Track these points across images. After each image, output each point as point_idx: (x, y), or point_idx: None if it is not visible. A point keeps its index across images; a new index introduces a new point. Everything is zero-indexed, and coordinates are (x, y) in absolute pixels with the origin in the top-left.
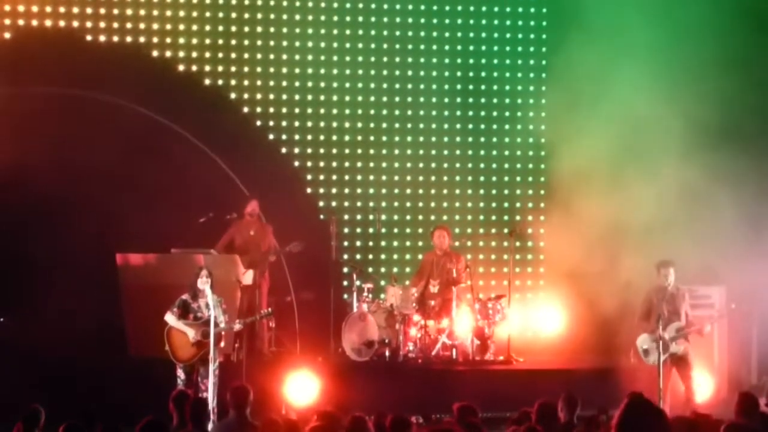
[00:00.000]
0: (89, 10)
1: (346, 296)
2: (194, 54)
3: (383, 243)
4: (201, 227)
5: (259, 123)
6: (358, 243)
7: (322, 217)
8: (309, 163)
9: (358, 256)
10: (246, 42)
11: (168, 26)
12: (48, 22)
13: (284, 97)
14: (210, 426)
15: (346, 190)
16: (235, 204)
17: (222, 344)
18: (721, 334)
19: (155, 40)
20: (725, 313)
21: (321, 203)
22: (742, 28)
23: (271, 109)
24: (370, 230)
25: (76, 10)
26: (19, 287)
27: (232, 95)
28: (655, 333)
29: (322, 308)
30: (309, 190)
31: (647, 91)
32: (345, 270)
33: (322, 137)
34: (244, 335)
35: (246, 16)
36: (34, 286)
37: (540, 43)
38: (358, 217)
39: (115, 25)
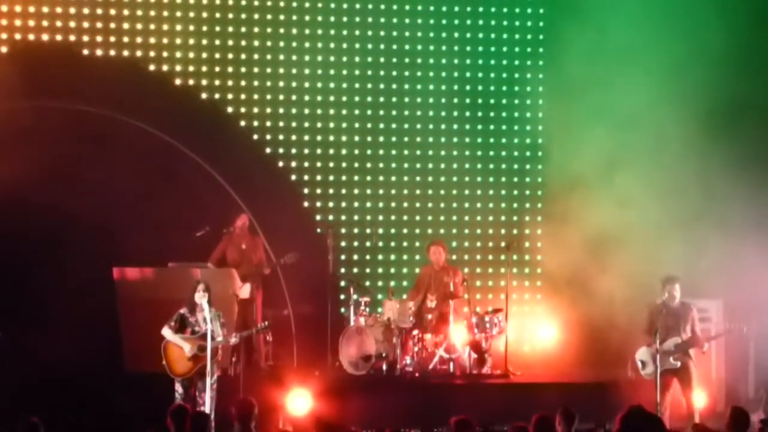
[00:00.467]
0: (86, 24)
1: (343, 310)
2: (191, 68)
3: (380, 256)
4: (198, 241)
5: (256, 137)
6: (356, 256)
7: (319, 230)
8: (306, 177)
9: (355, 270)
10: (243, 56)
11: (165, 40)
12: (45, 37)
13: (281, 110)
14: None
15: (344, 204)
16: (231, 218)
17: (218, 357)
18: (718, 348)
19: (152, 54)
20: (722, 332)
21: (318, 217)
22: (746, 22)
23: (269, 123)
24: (368, 244)
25: (73, 24)
26: (16, 301)
27: (230, 109)
28: (652, 347)
29: (319, 322)
30: (306, 204)
31: (645, 102)
32: (342, 284)
33: (319, 151)
34: (241, 349)
35: (243, 30)
36: (31, 300)
37: (537, 56)
38: (356, 230)
39: (112, 39)
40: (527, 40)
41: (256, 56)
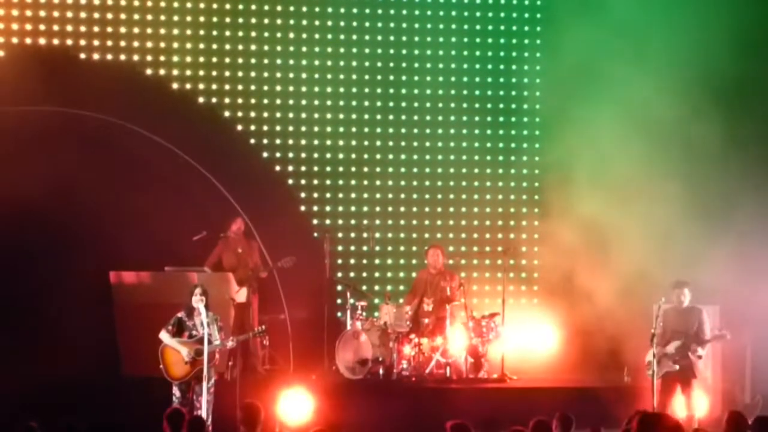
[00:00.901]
0: (83, 29)
1: (339, 314)
2: (188, 72)
3: (377, 261)
4: (195, 245)
5: (252, 141)
6: (352, 261)
7: (315, 235)
8: (303, 181)
9: (351, 274)
10: (240, 60)
11: (162, 44)
12: (42, 41)
13: (278, 115)
14: None
15: (340, 208)
16: (229, 222)
17: (215, 361)
18: (714, 353)
19: (149, 58)
20: (710, 338)
21: (315, 221)
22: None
23: (265, 127)
24: (364, 248)
25: (70, 28)
26: (13, 306)
27: (226, 113)
28: (657, 349)
29: (315, 326)
30: (303, 208)
31: (643, 109)
32: (339, 288)
33: (315, 155)
34: (237, 353)
35: (240, 34)
36: (27, 304)
37: (534, 61)
38: (352, 234)
39: (109, 43)
40: (524, 45)
41: (253, 60)
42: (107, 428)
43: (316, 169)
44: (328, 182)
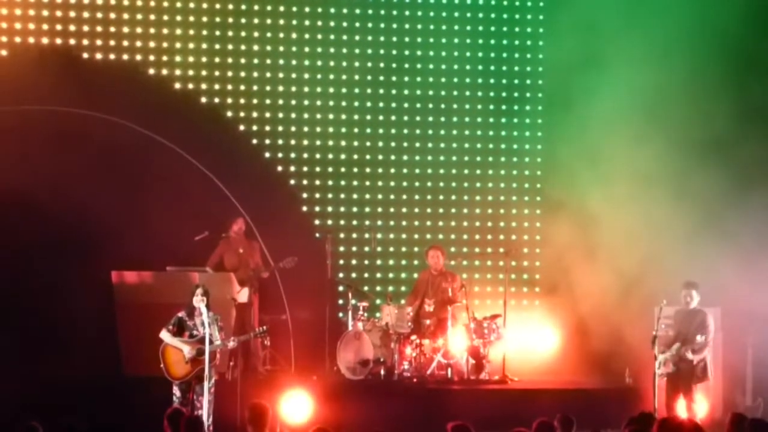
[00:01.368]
0: (86, 28)
1: (341, 315)
2: (190, 72)
3: (379, 262)
4: (196, 245)
5: (255, 141)
6: (354, 261)
7: (317, 235)
8: (305, 182)
9: (353, 275)
10: (242, 60)
11: (164, 44)
12: (44, 40)
13: (280, 115)
14: None
15: (342, 209)
16: (230, 222)
17: (216, 361)
18: (716, 355)
19: (152, 58)
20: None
21: (317, 221)
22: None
23: (267, 128)
24: (366, 249)
25: (72, 27)
26: (14, 305)
27: (228, 113)
28: (666, 349)
29: (317, 327)
30: (305, 209)
31: (644, 113)
32: (340, 288)
33: (317, 155)
34: (238, 353)
35: (242, 34)
36: (29, 303)
37: (536, 62)
38: (354, 235)
39: (112, 43)
40: (526, 46)
41: (255, 61)
42: (108, 428)
43: (318, 169)
44: (329, 183)
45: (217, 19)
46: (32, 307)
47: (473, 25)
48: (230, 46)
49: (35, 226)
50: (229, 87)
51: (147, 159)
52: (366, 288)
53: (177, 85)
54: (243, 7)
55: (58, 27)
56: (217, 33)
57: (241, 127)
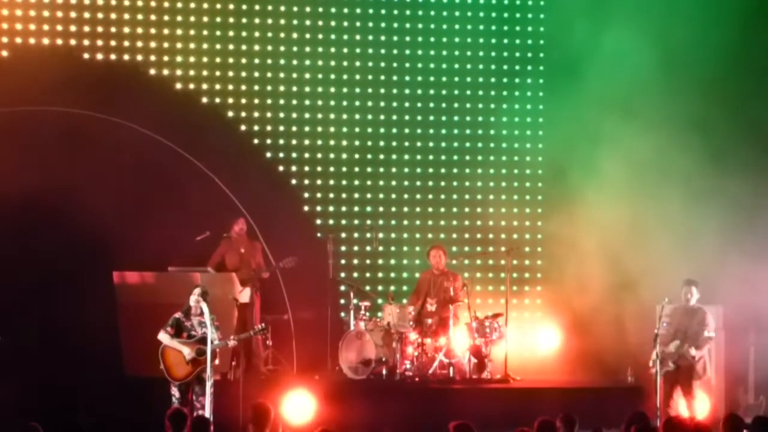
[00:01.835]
0: (87, 29)
1: (343, 315)
2: (191, 72)
3: (380, 261)
4: (198, 245)
5: (256, 141)
6: (356, 261)
7: (319, 235)
8: (306, 181)
9: (355, 275)
10: (243, 60)
11: (165, 45)
12: (46, 41)
13: (281, 115)
14: None
15: (344, 209)
16: (232, 222)
17: (216, 362)
18: (718, 353)
19: (153, 58)
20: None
21: (318, 221)
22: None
23: (269, 128)
24: (368, 248)
25: (73, 28)
26: (16, 306)
27: (230, 113)
28: (664, 346)
29: (319, 327)
30: (306, 208)
31: (646, 113)
32: (342, 288)
33: (319, 155)
34: (240, 353)
35: (243, 34)
36: (31, 304)
37: (538, 61)
38: (356, 235)
39: (113, 43)
40: (527, 45)
41: (256, 61)
42: (109, 428)
43: (319, 169)
44: (331, 182)
45: (218, 20)
46: (33, 307)
47: (474, 24)
48: (231, 46)
49: (35, 227)
50: (231, 87)
51: (148, 159)
52: (368, 288)
53: (178, 86)
54: (244, 7)
55: (59, 28)
56: (218, 33)
57: (243, 127)
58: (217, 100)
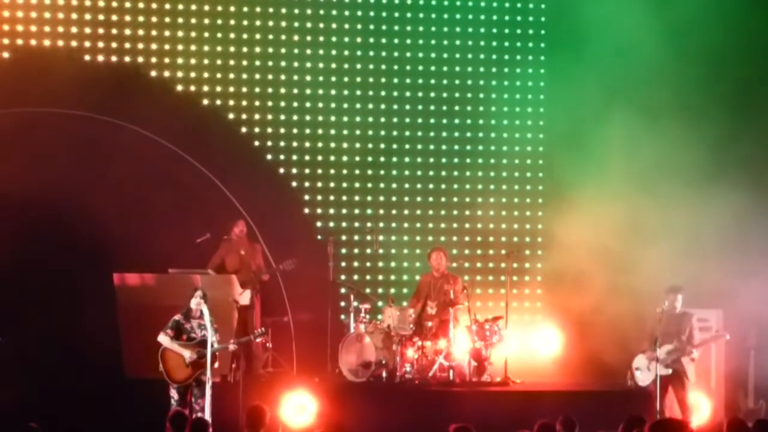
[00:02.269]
0: (88, 30)
1: (343, 317)
2: (193, 74)
3: (381, 264)
4: (198, 247)
5: (257, 143)
6: (356, 264)
7: (319, 237)
8: (307, 184)
9: (355, 277)
10: (244, 62)
11: (167, 46)
12: (47, 42)
13: (282, 117)
14: None
15: (344, 211)
16: (232, 224)
17: (216, 364)
18: (718, 357)
19: (154, 60)
20: (709, 339)
21: (319, 224)
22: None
23: (269, 130)
24: (368, 251)
25: (74, 29)
26: (17, 307)
27: (230, 115)
28: (646, 353)
29: (319, 329)
30: (307, 211)
31: (647, 113)
32: (342, 291)
33: (320, 158)
34: (240, 356)
35: (244, 36)
36: (31, 305)
37: (539, 64)
38: (356, 237)
39: (114, 45)
40: (528, 48)
41: (257, 63)
42: (108, 430)
43: (320, 171)
44: (332, 185)
45: (219, 21)
46: (34, 308)
47: (476, 27)
48: (232, 48)
49: (36, 228)
50: (231, 89)
51: (148, 161)
52: (368, 290)
53: (179, 87)
54: (245, 9)
55: (60, 29)
56: (219, 35)
57: (243, 129)
58: (218, 102)
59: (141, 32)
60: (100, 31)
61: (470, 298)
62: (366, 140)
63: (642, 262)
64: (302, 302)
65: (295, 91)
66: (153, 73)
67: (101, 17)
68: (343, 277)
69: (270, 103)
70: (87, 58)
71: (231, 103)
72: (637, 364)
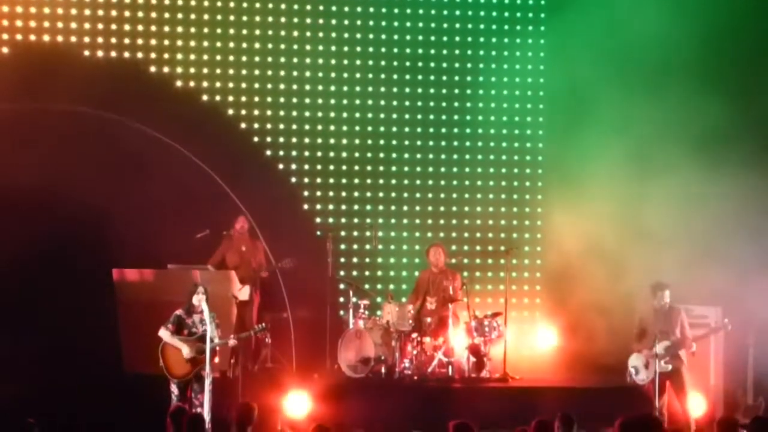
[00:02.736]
0: (87, 26)
1: (342, 313)
2: (192, 70)
3: (380, 260)
4: (197, 243)
5: (256, 139)
6: (355, 260)
7: (318, 233)
8: (306, 180)
9: (354, 273)
10: (244, 58)
11: (166, 42)
12: (46, 38)
13: (282, 113)
14: None
15: (343, 207)
16: (231, 220)
17: (216, 360)
18: (716, 354)
19: (153, 56)
20: (709, 331)
21: (318, 220)
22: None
23: (269, 126)
24: (367, 247)
25: (74, 25)
26: (15, 303)
27: (230, 111)
28: (642, 352)
29: (318, 325)
30: (306, 207)
31: (647, 111)
32: (341, 287)
33: (319, 154)
34: (239, 351)
35: (244, 32)
36: (30, 301)
37: (539, 61)
38: (355, 233)
39: (113, 40)
40: (528, 44)
41: (256, 59)
42: (108, 425)
43: (319, 167)
44: (331, 181)
45: (219, 17)
46: (33, 304)
47: (476, 24)
48: (232, 45)
49: (34, 224)
50: (231, 85)
51: (148, 157)
52: (367, 286)
53: (178, 83)
54: (244, 5)
55: (60, 25)
56: (219, 31)
57: (243, 126)
58: (218, 98)
59: (140, 28)
60: (100, 26)
61: (469, 294)
62: (365, 136)
63: (641, 259)
64: (301, 298)
65: (295, 87)
66: (152, 69)
67: (101, 13)
68: (342, 273)
69: (269, 99)
70: (86, 53)
71: (231, 99)
72: (634, 363)
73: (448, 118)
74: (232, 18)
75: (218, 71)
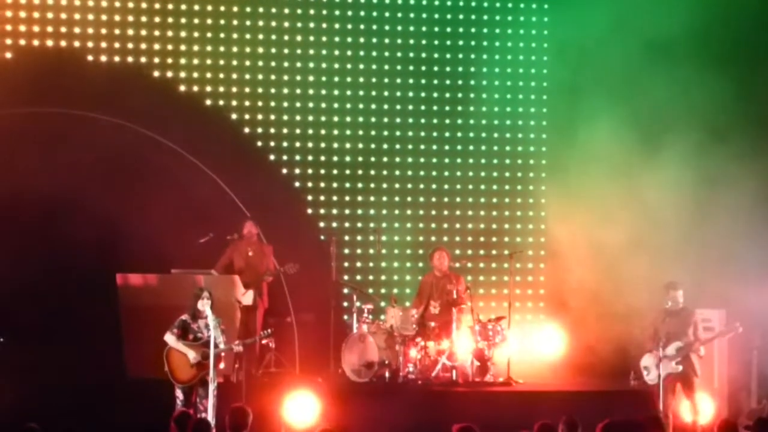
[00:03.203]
0: (90, 30)
1: (346, 317)
2: (195, 74)
3: (383, 264)
4: (201, 247)
5: (259, 143)
6: (359, 264)
7: (322, 237)
8: (309, 184)
9: (358, 277)
10: (247, 62)
11: (169, 47)
12: (49, 42)
13: (285, 117)
14: None
15: (347, 211)
16: (235, 224)
17: (222, 365)
18: (721, 357)
19: (156, 60)
20: (717, 334)
21: (321, 224)
22: None
23: (272, 130)
24: (371, 251)
25: (77, 30)
26: (18, 307)
27: (233, 116)
28: (653, 352)
29: (322, 329)
30: (309, 211)
31: (648, 112)
32: (345, 291)
33: (322, 158)
34: (243, 356)
35: (247, 36)
36: (33, 305)
37: (541, 65)
38: (359, 237)
39: (116, 45)
40: (531, 48)
41: (260, 63)
42: (112, 430)
43: (322, 171)
44: (334, 185)
45: (222, 22)
46: (37, 309)
47: (478, 27)
48: (235, 49)
49: (38, 228)
50: (234, 89)
51: (152, 161)
52: (371, 290)
53: (182, 88)
54: (248, 9)
55: (63, 29)
56: (222, 35)
57: (246, 130)
58: (221, 102)
59: (144, 32)
60: (103, 31)
61: (473, 298)
62: (368, 140)
63: (645, 261)
64: (305, 302)
65: (298, 91)
66: (156, 74)
67: (104, 17)
68: (345, 277)
69: (273, 104)
70: (90, 58)
71: (234, 103)
72: (645, 363)
73: (451, 123)
74: (235, 22)
75: (222, 75)
